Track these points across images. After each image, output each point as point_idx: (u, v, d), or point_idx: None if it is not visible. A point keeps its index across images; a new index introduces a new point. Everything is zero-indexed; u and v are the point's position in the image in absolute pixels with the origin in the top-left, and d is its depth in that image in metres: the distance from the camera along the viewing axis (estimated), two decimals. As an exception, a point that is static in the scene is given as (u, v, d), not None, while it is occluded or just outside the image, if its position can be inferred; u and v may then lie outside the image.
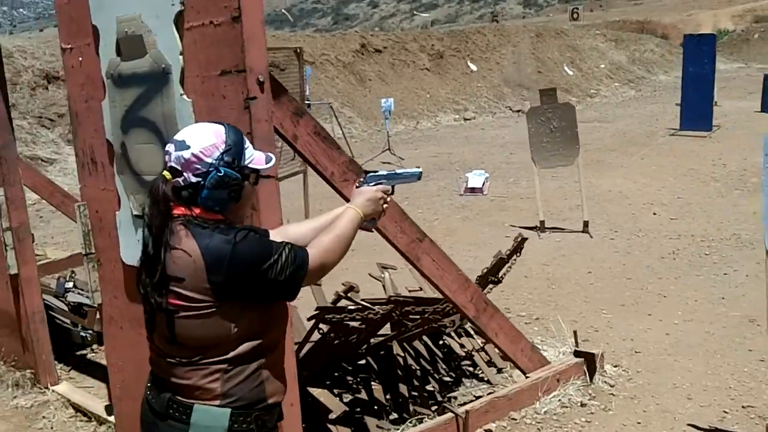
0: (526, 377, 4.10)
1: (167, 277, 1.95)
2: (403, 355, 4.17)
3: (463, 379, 4.41)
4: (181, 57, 3.11)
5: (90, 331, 5.26)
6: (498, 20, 58.67)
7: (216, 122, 2.15)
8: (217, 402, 1.98)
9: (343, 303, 3.84)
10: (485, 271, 4.48)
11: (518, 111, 21.65)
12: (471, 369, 4.50)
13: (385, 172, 2.35)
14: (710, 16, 47.66)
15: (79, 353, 5.22)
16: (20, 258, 4.53)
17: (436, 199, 9.87)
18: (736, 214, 8.30)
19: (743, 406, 4.01)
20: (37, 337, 4.58)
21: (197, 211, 2.02)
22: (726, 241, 7.31)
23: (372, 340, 4.07)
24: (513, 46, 25.64)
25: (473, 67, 23.79)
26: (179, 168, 2.01)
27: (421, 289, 4.89)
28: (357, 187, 2.33)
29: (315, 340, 3.82)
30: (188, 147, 2.01)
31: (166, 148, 2.06)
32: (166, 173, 2.01)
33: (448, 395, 4.22)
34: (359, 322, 3.81)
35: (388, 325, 4.01)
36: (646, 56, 30.18)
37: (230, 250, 1.93)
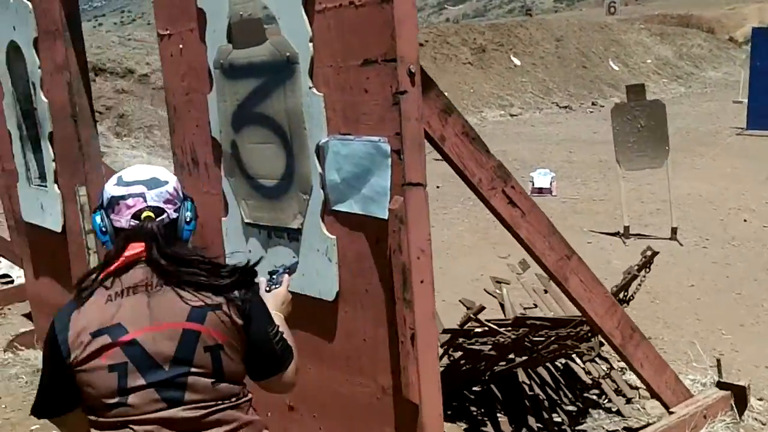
0: (670, 412, 3.62)
1: (203, 309, 1.80)
2: (528, 382, 3.72)
3: (590, 410, 3.95)
4: (310, 44, 2.68)
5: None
6: (531, 14, 57.77)
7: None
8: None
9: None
10: (615, 289, 4.01)
11: (565, 107, 21.09)
12: (596, 398, 4.04)
13: (281, 269, 2.37)
14: (755, 10, 46.34)
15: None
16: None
17: (503, 199, 9.37)
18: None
19: None
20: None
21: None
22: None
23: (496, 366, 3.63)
24: (556, 40, 25.02)
25: (517, 62, 23.23)
26: (161, 206, 1.90)
27: (535, 306, 4.44)
28: (267, 290, 2.22)
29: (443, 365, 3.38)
30: (166, 182, 1.93)
31: (135, 191, 1.89)
32: (149, 214, 1.87)
33: (577, 428, 3.76)
34: (489, 348, 3.37)
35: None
36: (693, 51, 29.35)
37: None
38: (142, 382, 1.75)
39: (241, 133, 3.02)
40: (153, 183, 1.90)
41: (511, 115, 19.95)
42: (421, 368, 2.57)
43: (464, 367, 3.36)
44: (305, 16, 2.66)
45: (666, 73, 26.32)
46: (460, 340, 3.27)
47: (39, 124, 4.49)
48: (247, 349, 1.86)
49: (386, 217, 2.53)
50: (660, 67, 26.53)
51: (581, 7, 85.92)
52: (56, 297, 4.68)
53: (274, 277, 2.32)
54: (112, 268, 1.85)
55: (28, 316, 5.51)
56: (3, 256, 6.46)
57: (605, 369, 4.08)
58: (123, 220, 1.86)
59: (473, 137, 2.82)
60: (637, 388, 4.02)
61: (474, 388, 3.71)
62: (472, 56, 22.39)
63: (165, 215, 1.89)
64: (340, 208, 2.71)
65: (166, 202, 1.90)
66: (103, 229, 1.90)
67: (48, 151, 4.41)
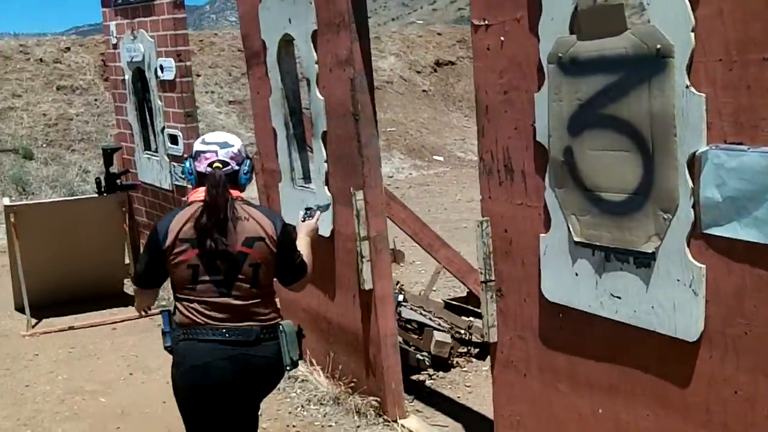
0: None
1: (253, 238, 2.70)
2: None
3: None
4: (692, 34, 2.23)
5: (426, 354, 4.59)
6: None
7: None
8: (280, 317, 2.86)
9: None
10: None
11: None
12: None
13: (315, 207, 3.28)
14: None
15: (414, 377, 4.56)
16: (376, 271, 3.91)
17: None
18: None
19: None
20: (387, 363, 3.95)
21: (239, 192, 2.80)
22: None
23: None
24: None
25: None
26: (228, 160, 2.78)
27: None
28: (302, 221, 3.19)
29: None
30: (233, 145, 2.82)
31: (211, 148, 2.79)
32: (218, 164, 2.75)
33: None
34: None
35: None
36: None
37: (282, 220, 2.84)
38: (206, 278, 2.68)
39: (580, 137, 2.63)
40: (223, 144, 2.81)
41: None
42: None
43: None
44: (687, 1, 2.22)
45: None
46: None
47: (312, 122, 4.33)
48: (277, 266, 2.78)
49: (792, 247, 2.05)
50: None
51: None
52: (314, 304, 4.51)
53: (308, 211, 3.21)
54: (199, 198, 2.71)
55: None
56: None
57: None
58: (202, 167, 2.77)
59: None
60: None
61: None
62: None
63: (229, 167, 2.78)
64: (718, 231, 2.25)
65: (231, 158, 2.79)
66: (190, 171, 2.81)
67: (321, 151, 4.21)
